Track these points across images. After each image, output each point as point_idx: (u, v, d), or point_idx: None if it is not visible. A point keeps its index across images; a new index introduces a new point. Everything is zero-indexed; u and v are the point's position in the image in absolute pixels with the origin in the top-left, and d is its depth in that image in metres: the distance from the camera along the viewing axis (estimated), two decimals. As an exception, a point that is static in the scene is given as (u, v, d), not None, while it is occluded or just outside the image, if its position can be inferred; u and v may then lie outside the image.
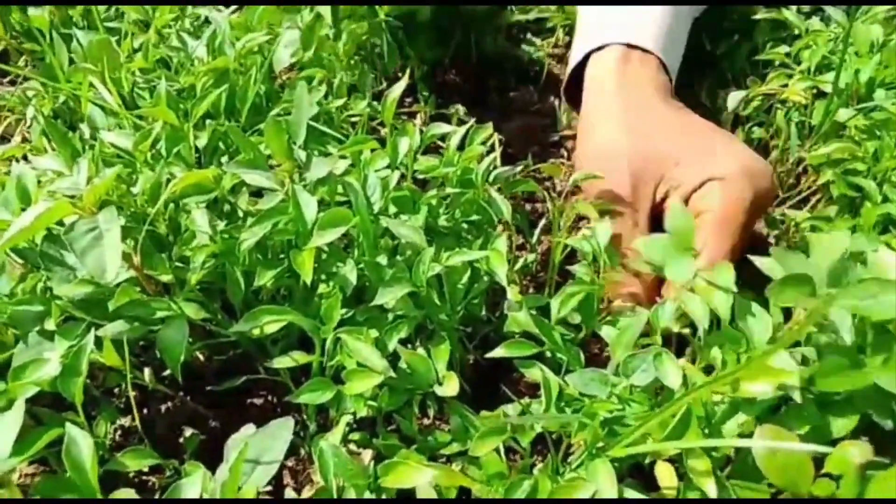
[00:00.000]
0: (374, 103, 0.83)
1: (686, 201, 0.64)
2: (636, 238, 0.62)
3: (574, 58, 0.78)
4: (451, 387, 0.52)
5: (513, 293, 0.59)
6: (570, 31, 1.08)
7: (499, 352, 0.56)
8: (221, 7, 0.89)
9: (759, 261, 0.49)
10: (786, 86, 0.81)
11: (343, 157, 0.62)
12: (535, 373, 0.54)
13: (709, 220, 0.61)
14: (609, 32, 0.75)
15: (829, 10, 0.89)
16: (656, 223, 0.66)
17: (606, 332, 0.58)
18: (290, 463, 0.59)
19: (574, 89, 0.80)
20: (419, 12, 0.90)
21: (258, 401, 0.63)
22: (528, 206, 0.83)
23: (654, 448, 0.43)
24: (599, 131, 0.69)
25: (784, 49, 0.87)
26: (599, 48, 0.74)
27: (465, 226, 0.67)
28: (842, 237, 0.49)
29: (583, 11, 0.82)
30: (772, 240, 0.75)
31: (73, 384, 0.47)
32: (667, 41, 0.75)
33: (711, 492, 0.42)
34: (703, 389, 0.41)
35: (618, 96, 0.70)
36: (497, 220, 0.66)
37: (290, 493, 0.56)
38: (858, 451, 0.42)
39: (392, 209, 0.64)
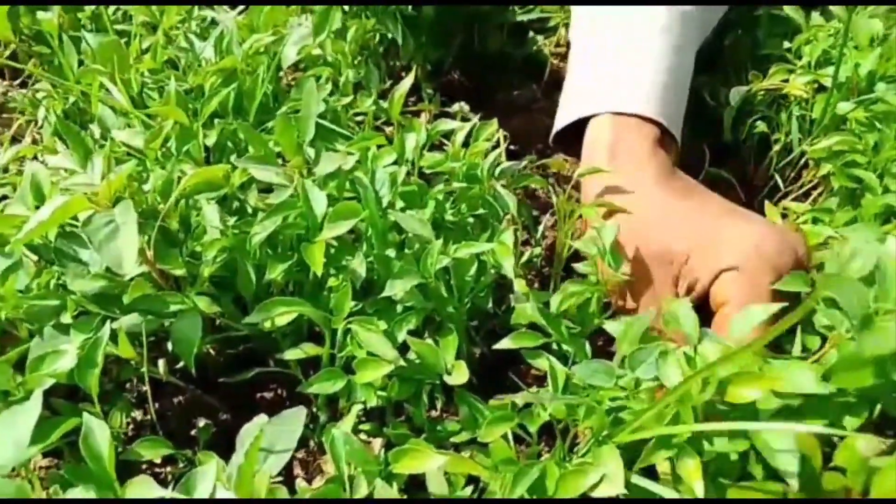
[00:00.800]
0: (380, 101, 0.84)
1: (706, 296, 0.61)
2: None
3: (560, 119, 0.74)
4: (460, 375, 0.53)
5: (519, 286, 0.60)
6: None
7: (506, 342, 0.57)
8: (227, 8, 0.90)
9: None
10: (787, 80, 0.82)
11: (350, 153, 0.63)
12: (541, 363, 0.55)
13: (737, 308, 0.55)
14: (597, 97, 0.70)
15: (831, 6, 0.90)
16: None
17: (612, 327, 0.59)
18: (300, 454, 0.60)
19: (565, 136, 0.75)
20: (423, 12, 0.91)
21: (269, 394, 0.64)
22: (533, 202, 0.84)
23: (656, 433, 0.44)
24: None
25: (785, 44, 0.88)
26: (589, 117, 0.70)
27: (471, 220, 0.68)
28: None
29: (572, 64, 0.78)
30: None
31: (89, 375, 0.48)
32: (663, 96, 0.70)
33: (699, 491, 0.43)
34: (692, 381, 0.42)
35: (619, 192, 0.65)
36: (503, 214, 0.67)
37: (300, 484, 0.57)
38: (866, 445, 0.42)
39: (400, 204, 0.65)
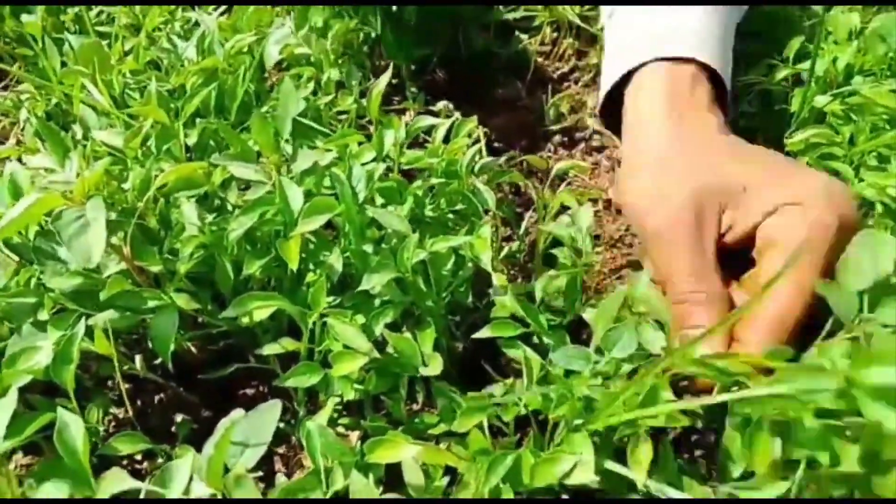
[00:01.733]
0: (362, 100, 0.85)
1: (752, 233, 0.56)
2: (706, 273, 0.55)
3: (607, 79, 0.70)
4: (435, 367, 0.53)
5: (498, 279, 0.61)
6: (556, 28, 1.10)
7: (485, 332, 0.57)
8: (210, 10, 0.91)
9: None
10: (766, 75, 0.83)
11: (329, 150, 0.63)
12: (518, 353, 0.55)
13: (785, 251, 0.52)
14: (644, 46, 0.66)
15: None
16: (725, 256, 0.58)
17: (590, 314, 0.59)
18: (281, 450, 0.60)
19: (608, 111, 0.73)
20: (406, 11, 0.92)
21: (250, 390, 0.65)
22: (516, 199, 0.84)
23: (626, 418, 0.44)
24: (648, 169, 0.61)
25: (765, 39, 0.89)
26: (637, 68, 0.66)
27: (451, 216, 0.68)
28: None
29: (610, 20, 0.75)
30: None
31: (64, 371, 0.49)
32: (715, 45, 0.66)
33: (640, 479, 0.43)
34: (664, 361, 0.42)
35: (667, 126, 0.61)
36: (483, 210, 0.67)
37: (280, 479, 0.57)
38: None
39: (379, 200, 0.65)
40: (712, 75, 0.65)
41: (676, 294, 0.55)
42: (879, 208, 0.61)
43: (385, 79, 0.71)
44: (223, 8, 0.92)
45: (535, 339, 0.61)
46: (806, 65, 0.75)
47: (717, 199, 0.56)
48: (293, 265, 0.54)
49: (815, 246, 0.51)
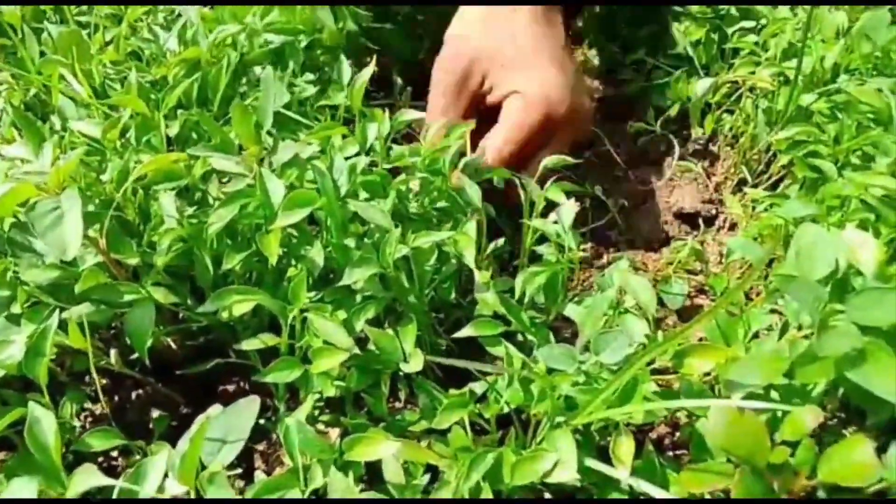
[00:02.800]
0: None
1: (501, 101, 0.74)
2: (456, 110, 0.73)
3: None
4: (416, 363, 0.53)
5: (481, 276, 0.60)
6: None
7: (467, 331, 0.57)
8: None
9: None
10: (754, 73, 0.82)
11: (311, 143, 0.62)
12: (500, 351, 0.54)
13: (504, 119, 0.72)
14: None
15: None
16: (486, 111, 0.75)
17: (572, 310, 0.59)
18: (261, 447, 0.59)
19: None
20: (396, 8, 0.91)
21: (230, 386, 0.64)
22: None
23: (605, 414, 0.44)
24: (458, 24, 0.78)
25: (752, 38, 0.89)
26: None
27: (434, 213, 0.67)
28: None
29: None
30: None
31: (37, 365, 0.48)
32: None
33: (622, 475, 0.43)
34: (646, 356, 0.42)
35: (476, 8, 0.77)
36: (467, 207, 0.66)
37: (260, 476, 0.56)
38: (811, 416, 0.42)
39: (363, 195, 0.64)
40: None
41: (425, 128, 0.72)
42: (855, 204, 0.61)
43: (368, 71, 0.70)
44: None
45: (520, 337, 0.61)
46: (793, 63, 0.75)
47: (485, 65, 0.74)
48: (273, 259, 0.54)
49: (518, 127, 0.71)
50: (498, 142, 0.71)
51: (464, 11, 0.78)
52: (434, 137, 0.69)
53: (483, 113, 0.75)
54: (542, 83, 0.72)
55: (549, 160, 0.68)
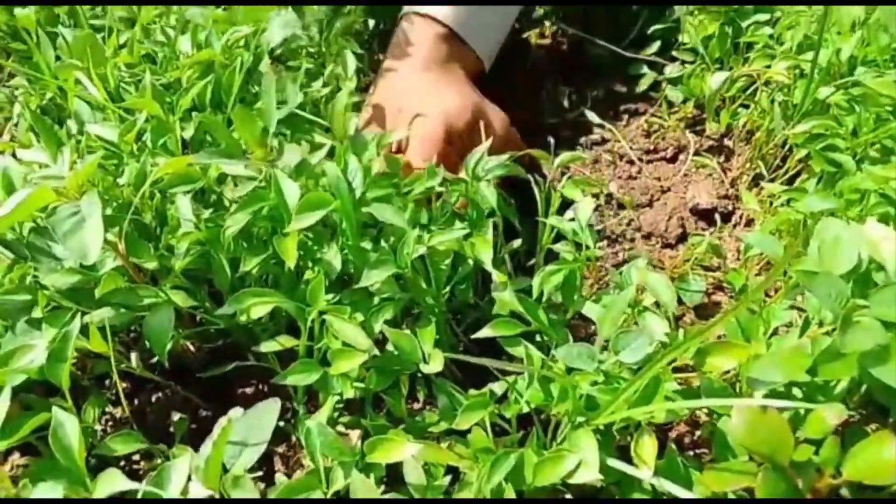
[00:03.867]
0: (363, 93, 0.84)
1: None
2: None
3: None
4: (436, 364, 0.53)
5: (498, 276, 0.60)
6: (555, 21, 1.09)
7: (486, 331, 0.56)
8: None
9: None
10: (769, 66, 0.82)
11: (323, 144, 0.62)
12: (519, 351, 0.54)
13: (411, 140, 0.76)
14: (408, 5, 0.85)
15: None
16: None
17: (590, 309, 0.59)
18: (281, 449, 0.59)
19: None
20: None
21: (249, 389, 0.64)
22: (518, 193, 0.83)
23: (626, 414, 0.43)
24: (373, 98, 0.83)
25: (767, 31, 0.88)
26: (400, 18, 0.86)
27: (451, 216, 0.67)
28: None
29: None
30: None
31: (59, 369, 0.48)
32: (463, 15, 0.83)
33: (645, 475, 0.43)
34: (667, 356, 0.42)
35: (389, 66, 0.83)
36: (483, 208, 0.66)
37: (280, 479, 0.57)
38: (834, 413, 0.42)
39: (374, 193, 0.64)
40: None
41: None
42: (874, 198, 0.60)
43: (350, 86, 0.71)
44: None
45: (538, 337, 0.60)
46: (809, 56, 0.74)
47: (393, 120, 0.79)
48: (290, 263, 0.54)
49: (426, 142, 0.75)
50: (411, 156, 0.75)
51: (379, 78, 0.85)
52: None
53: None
54: (439, 103, 0.78)
55: (562, 158, 0.68)
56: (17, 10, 0.84)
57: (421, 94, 0.80)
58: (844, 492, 0.43)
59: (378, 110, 0.81)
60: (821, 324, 0.49)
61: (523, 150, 0.76)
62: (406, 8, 0.86)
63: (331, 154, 0.64)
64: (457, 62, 0.85)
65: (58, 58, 0.78)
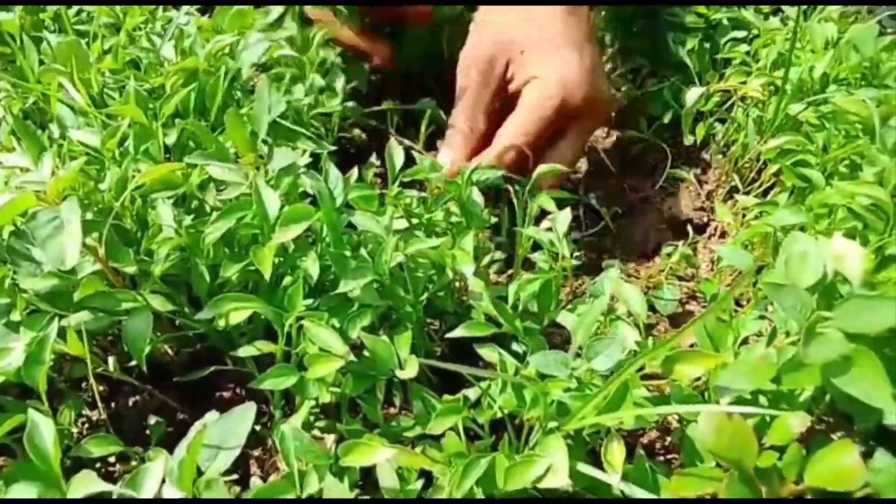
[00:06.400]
0: (347, 103, 0.85)
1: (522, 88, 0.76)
2: (476, 113, 0.76)
3: None
4: (411, 369, 0.53)
5: (476, 284, 0.61)
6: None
7: (459, 331, 0.57)
8: (193, 10, 0.90)
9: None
10: (745, 82, 0.84)
11: (305, 150, 0.63)
12: (494, 357, 0.55)
13: (521, 106, 0.74)
14: None
15: (787, 9, 0.92)
16: (510, 98, 0.78)
17: (565, 317, 0.60)
18: (256, 453, 0.59)
19: None
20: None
21: (227, 393, 0.64)
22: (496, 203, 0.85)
23: (595, 420, 0.44)
24: (488, 18, 0.80)
25: (744, 48, 0.90)
26: None
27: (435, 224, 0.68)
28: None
29: None
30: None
31: (36, 372, 0.48)
32: None
33: (614, 480, 0.44)
34: (636, 363, 0.43)
35: None
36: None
37: (256, 482, 0.57)
38: (798, 421, 0.43)
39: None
40: None
41: (451, 119, 0.78)
42: (842, 212, 0.62)
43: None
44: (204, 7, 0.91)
45: (514, 346, 0.61)
46: (783, 73, 0.76)
47: (508, 52, 0.75)
48: (266, 273, 0.54)
49: (538, 109, 0.72)
50: (511, 132, 0.72)
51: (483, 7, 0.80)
52: (453, 168, 0.73)
53: (508, 100, 0.78)
54: (560, 68, 0.73)
55: (545, 168, 0.69)
56: (2, 15, 0.85)
57: (542, 45, 0.74)
58: (808, 498, 0.44)
59: (484, 55, 0.76)
60: (787, 334, 0.51)
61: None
62: None
63: (316, 160, 0.65)
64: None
65: (42, 62, 0.79)
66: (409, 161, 0.87)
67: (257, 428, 0.59)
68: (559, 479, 0.44)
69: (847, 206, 0.61)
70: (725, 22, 0.94)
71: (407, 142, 0.90)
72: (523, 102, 0.73)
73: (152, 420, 0.59)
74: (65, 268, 0.46)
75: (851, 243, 0.51)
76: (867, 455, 0.41)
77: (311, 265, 0.57)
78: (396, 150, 0.68)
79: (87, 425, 0.61)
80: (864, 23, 0.80)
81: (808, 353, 0.44)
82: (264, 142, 0.62)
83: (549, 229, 0.65)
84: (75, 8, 0.92)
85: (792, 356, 0.46)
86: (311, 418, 0.57)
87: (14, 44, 0.80)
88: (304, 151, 0.62)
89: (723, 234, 0.82)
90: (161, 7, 0.91)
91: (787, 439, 0.43)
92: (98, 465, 0.57)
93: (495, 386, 0.53)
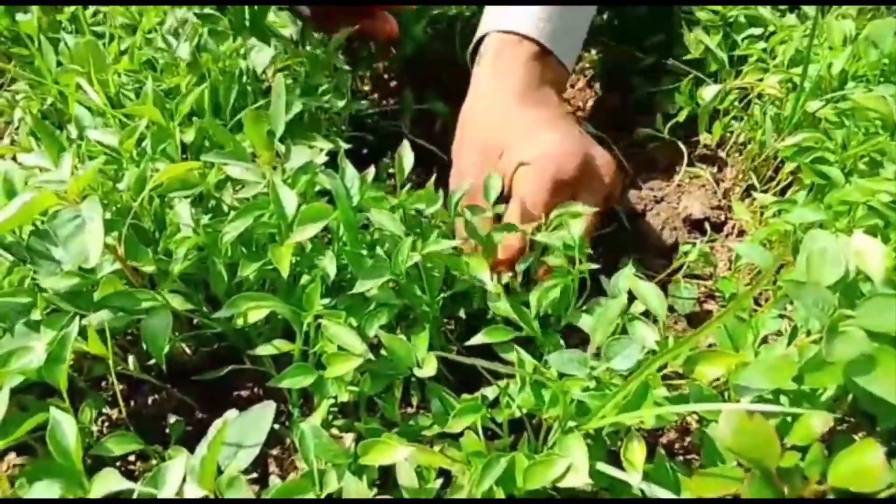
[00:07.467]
0: (361, 102, 0.85)
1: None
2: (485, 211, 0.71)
3: (472, 44, 0.83)
4: (429, 368, 0.53)
5: (494, 287, 0.60)
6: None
7: (479, 338, 0.57)
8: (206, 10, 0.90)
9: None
10: (762, 80, 0.83)
11: (322, 148, 0.63)
12: (512, 356, 0.55)
13: (514, 199, 0.71)
14: (489, 20, 0.80)
15: (804, 7, 0.91)
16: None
17: (584, 321, 0.59)
18: (275, 451, 0.60)
19: None
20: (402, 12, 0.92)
21: (244, 392, 0.64)
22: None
23: (616, 419, 0.44)
24: (460, 133, 0.79)
25: (761, 45, 0.89)
26: (483, 36, 0.80)
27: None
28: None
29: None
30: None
31: (57, 371, 0.48)
32: (548, 25, 0.78)
33: (634, 480, 0.44)
34: (656, 362, 0.42)
35: (479, 100, 0.78)
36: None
37: (275, 481, 0.57)
38: (820, 420, 0.43)
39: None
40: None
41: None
42: (862, 210, 0.61)
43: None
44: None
45: (532, 347, 0.61)
46: (800, 70, 0.75)
47: (489, 160, 0.74)
48: (284, 272, 0.54)
49: (535, 192, 0.70)
50: (515, 220, 0.69)
51: (466, 110, 0.80)
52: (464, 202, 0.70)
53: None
54: (545, 148, 0.72)
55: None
56: (20, 17, 0.86)
57: (523, 135, 0.74)
58: (831, 498, 0.43)
59: (474, 152, 0.76)
60: (808, 333, 0.50)
61: (620, 199, 0.73)
62: (485, 25, 0.80)
63: (333, 158, 0.65)
64: (549, 84, 0.79)
65: (59, 63, 0.79)
66: (423, 158, 0.88)
67: (275, 427, 0.59)
68: (579, 479, 0.44)
69: (867, 204, 0.60)
70: (742, 19, 0.93)
71: (420, 141, 0.90)
72: (518, 188, 0.71)
73: (172, 419, 0.59)
74: (87, 266, 0.46)
75: (873, 240, 0.50)
76: (891, 455, 0.40)
77: (329, 264, 0.57)
78: (406, 152, 0.68)
79: (107, 424, 0.61)
80: (882, 18, 0.79)
81: (831, 352, 0.43)
82: (281, 140, 0.62)
83: (565, 234, 0.64)
84: (92, 9, 0.92)
85: (814, 355, 0.46)
86: (330, 417, 0.57)
87: (32, 45, 0.81)
88: (321, 150, 0.62)
89: (740, 233, 0.81)
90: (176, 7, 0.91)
91: (809, 439, 0.43)
92: (118, 463, 0.57)
93: (514, 385, 0.53)
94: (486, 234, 0.64)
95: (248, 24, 0.80)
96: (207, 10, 0.79)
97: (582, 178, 0.72)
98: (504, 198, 0.73)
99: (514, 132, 0.74)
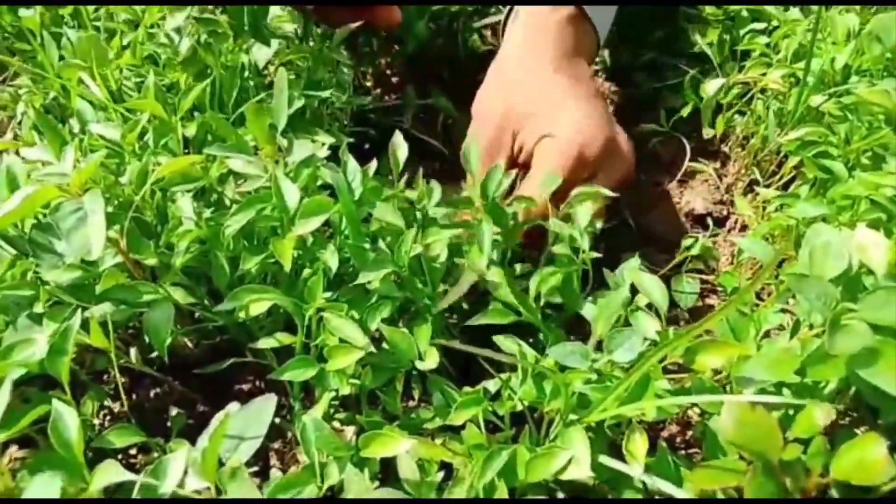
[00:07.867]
0: (363, 98, 0.85)
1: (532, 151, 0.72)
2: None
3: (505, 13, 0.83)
4: (431, 360, 0.53)
5: (495, 274, 0.60)
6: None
7: (479, 318, 0.57)
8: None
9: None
10: (765, 74, 0.83)
11: (324, 143, 0.63)
12: (512, 346, 0.55)
13: (534, 169, 0.70)
14: None
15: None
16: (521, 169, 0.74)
17: (588, 310, 0.59)
18: (276, 445, 0.60)
19: None
20: (405, 10, 0.92)
21: (245, 385, 0.65)
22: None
23: (617, 411, 0.44)
24: (487, 86, 0.78)
25: (764, 39, 0.89)
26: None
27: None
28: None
29: None
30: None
31: (59, 363, 0.49)
32: None
33: (636, 472, 0.44)
34: (657, 354, 0.42)
35: (510, 58, 0.77)
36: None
37: (276, 474, 0.57)
38: (823, 413, 0.43)
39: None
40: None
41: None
42: (865, 204, 0.61)
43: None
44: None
45: (532, 339, 0.61)
46: (803, 64, 0.75)
47: (512, 124, 0.73)
48: (286, 265, 0.54)
49: (555, 168, 0.68)
50: (534, 190, 0.67)
51: (496, 66, 0.78)
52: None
53: (521, 170, 0.74)
54: (572, 123, 0.70)
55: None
56: (22, 12, 0.86)
57: (552, 105, 0.72)
58: (833, 492, 0.43)
59: (499, 101, 0.74)
60: (811, 326, 0.50)
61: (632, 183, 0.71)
62: None
63: (334, 153, 0.65)
64: (583, 54, 0.77)
65: (61, 58, 0.79)
66: (425, 152, 0.88)
67: (277, 420, 0.59)
68: (581, 471, 0.44)
69: (870, 198, 0.60)
70: (745, 13, 0.93)
71: (423, 136, 0.90)
72: (540, 160, 0.70)
73: (173, 412, 0.59)
74: (90, 258, 0.46)
75: (875, 234, 0.50)
76: (894, 448, 0.40)
77: (331, 257, 0.57)
78: (400, 146, 0.67)
79: (108, 416, 0.61)
80: (886, 13, 0.79)
81: (834, 345, 0.43)
82: (283, 134, 0.62)
83: (570, 223, 0.64)
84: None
85: (817, 348, 0.46)
86: (331, 410, 0.57)
87: (35, 40, 0.81)
88: (323, 144, 0.62)
89: (743, 228, 0.81)
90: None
91: (811, 432, 0.43)
92: (119, 455, 0.58)
93: (515, 378, 0.53)
94: (492, 203, 0.63)
95: (246, 27, 0.80)
96: (206, 14, 0.79)
97: (605, 158, 0.71)
98: (520, 163, 0.73)
99: (544, 100, 0.72)
